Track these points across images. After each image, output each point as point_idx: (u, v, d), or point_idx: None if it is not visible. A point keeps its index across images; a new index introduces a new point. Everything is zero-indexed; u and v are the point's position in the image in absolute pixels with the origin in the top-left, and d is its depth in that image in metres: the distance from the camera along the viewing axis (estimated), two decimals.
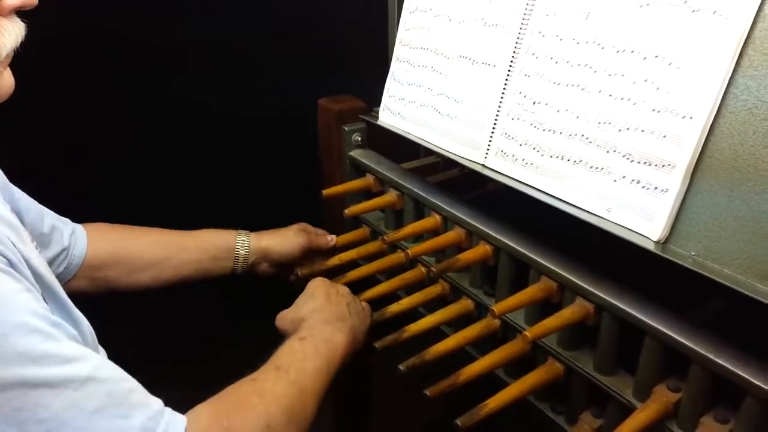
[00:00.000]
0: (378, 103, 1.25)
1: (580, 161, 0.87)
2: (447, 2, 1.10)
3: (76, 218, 1.11)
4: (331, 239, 1.27)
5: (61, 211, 1.07)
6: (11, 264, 0.67)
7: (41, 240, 1.00)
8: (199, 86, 1.55)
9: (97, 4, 1.34)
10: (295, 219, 1.28)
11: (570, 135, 0.88)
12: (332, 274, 1.18)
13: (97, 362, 0.68)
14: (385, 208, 1.22)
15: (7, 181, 0.96)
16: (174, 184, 1.54)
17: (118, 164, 1.51)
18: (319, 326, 0.98)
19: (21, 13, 0.74)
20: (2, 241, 0.67)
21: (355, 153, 1.28)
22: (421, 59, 1.14)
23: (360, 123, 1.29)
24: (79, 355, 0.66)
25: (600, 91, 0.86)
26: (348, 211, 1.19)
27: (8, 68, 0.74)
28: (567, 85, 0.90)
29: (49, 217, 1.05)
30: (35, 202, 1.03)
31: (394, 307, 1.07)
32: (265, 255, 1.22)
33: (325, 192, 1.23)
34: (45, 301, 0.72)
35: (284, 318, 1.04)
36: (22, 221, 0.90)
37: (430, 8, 1.14)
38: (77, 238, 1.10)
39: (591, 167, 0.86)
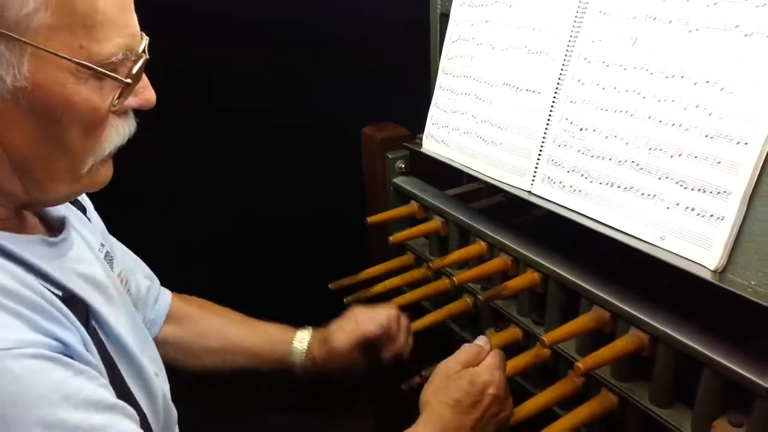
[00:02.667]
0: (420, 130, 1.26)
1: (631, 188, 0.86)
2: (490, 31, 1.11)
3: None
4: (380, 327, 1.09)
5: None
6: (66, 347, 0.63)
7: None
8: (246, 118, 1.57)
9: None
10: (342, 246, 1.29)
11: (620, 161, 0.87)
12: (377, 300, 1.19)
13: None
14: (429, 234, 1.22)
15: (105, 228, 0.94)
16: (219, 211, 1.57)
17: (163, 186, 1.53)
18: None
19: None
20: (55, 317, 0.64)
21: (399, 180, 1.29)
22: (465, 87, 1.15)
23: (403, 150, 1.30)
24: None
25: (650, 117, 0.85)
26: (392, 238, 1.19)
27: (110, 161, 0.72)
28: (615, 111, 0.89)
29: (139, 274, 1.01)
30: (129, 252, 1.00)
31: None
32: (320, 369, 1.11)
33: (370, 219, 1.23)
34: (115, 363, 0.71)
35: (424, 400, 0.86)
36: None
37: (473, 37, 1.14)
38: (160, 307, 1.06)
39: (642, 194, 0.84)
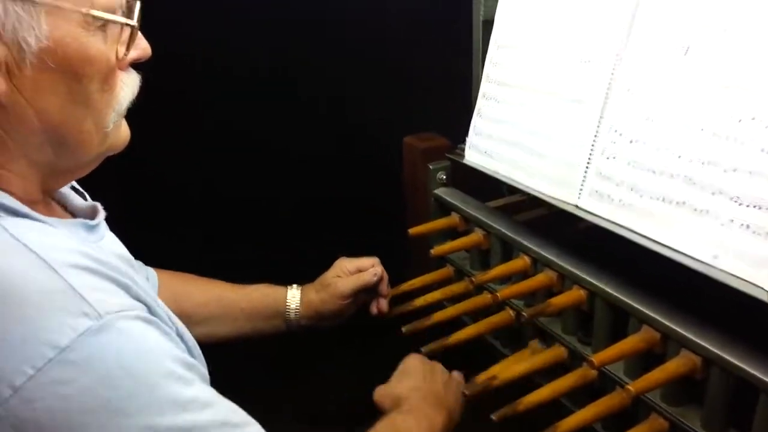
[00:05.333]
0: (460, 140, 1.24)
1: (684, 203, 0.82)
2: (536, 38, 1.08)
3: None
4: (375, 274, 1.20)
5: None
6: (150, 311, 0.69)
7: None
8: (283, 126, 1.58)
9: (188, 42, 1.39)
10: (380, 257, 1.28)
11: (671, 175, 0.84)
12: (418, 314, 1.17)
13: (228, 406, 0.69)
14: (471, 248, 1.20)
15: None
16: (263, 220, 1.58)
17: (205, 204, 1.55)
18: (419, 403, 0.99)
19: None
20: (137, 283, 0.69)
21: (441, 191, 1.27)
22: (509, 96, 1.12)
23: (445, 161, 1.28)
24: (213, 399, 0.68)
25: (702, 129, 0.81)
26: (434, 250, 1.17)
27: (124, 120, 0.77)
28: (666, 123, 0.86)
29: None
30: None
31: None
32: (317, 315, 1.20)
33: (411, 231, 1.22)
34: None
35: (383, 394, 1.04)
36: None
37: (518, 44, 1.12)
38: (151, 285, 1.10)
39: (695, 210, 0.81)
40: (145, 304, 0.68)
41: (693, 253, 0.80)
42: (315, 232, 1.56)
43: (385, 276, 1.22)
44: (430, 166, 1.28)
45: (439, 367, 1.09)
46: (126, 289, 0.66)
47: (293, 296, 1.20)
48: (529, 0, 1.11)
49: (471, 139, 1.21)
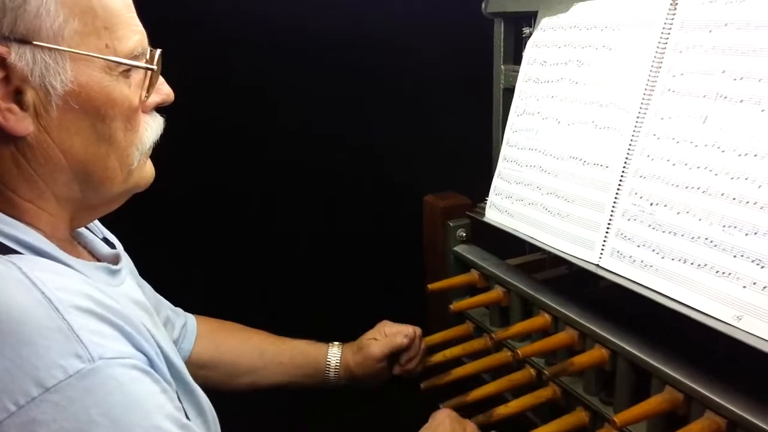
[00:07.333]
0: (480, 199, 1.28)
1: (705, 265, 0.84)
2: (555, 106, 1.12)
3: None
4: (406, 337, 1.19)
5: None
6: (151, 362, 0.68)
7: None
8: (303, 179, 1.62)
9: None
10: (399, 312, 1.29)
11: (693, 238, 0.87)
12: (437, 370, 1.18)
13: None
14: (490, 304, 1.22)
15: (134, 267, 0.99)
16: (282, 274, 1.60)
17: (225, 243, 1.58)
18: None
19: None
20: (142, 333, 0.68)
21: (460, 248, 1.30)
22: (529, 159, 1.16)
23: (464, 219, 1.31)
24: None
25: (723, 195, 0.84)
26: (454, 306, 1.19)
27: (149, 159, 0.80)
28: (687, 188, 0.89)
29: (164, 308, 1.08)
30: (152, 289, 1.06)
31: (502, 410, 1.04)
32: (353, 376, 1.19)
33: (431, 286, 1.23)
34: (178, 396, 0.74)
35: None
36: None
37: (538, 111, 1.16)
38: (187, 332, 1.12)
39: (717, 272, 0.83)
40: (146, 356, 0.67)
41: (716, 314, 0.82)
42: (333, 285, 1.58)
43: (419, 342, 1.21)
44: (450, 224, 1.31)
45: (471, 427, 1.02)
46: (129, 337, 0.65)
47: (333, 355, 1.19)
48: (548, 70, 1.16)
49: (491, 198, 1.24)
